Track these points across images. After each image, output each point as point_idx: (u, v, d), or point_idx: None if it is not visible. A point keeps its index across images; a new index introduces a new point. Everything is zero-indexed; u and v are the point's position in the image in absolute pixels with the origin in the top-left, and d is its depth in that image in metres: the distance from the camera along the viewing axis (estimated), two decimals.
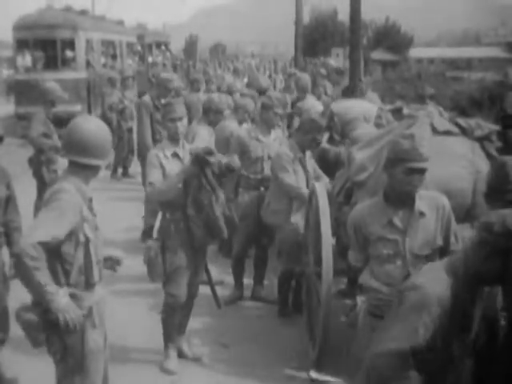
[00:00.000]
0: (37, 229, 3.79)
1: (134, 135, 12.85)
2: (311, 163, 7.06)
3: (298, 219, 6.73)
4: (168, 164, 5.79)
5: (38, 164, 8.52)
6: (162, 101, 9.00)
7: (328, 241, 5.50)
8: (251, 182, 7.34)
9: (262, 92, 10.16)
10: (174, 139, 5.91)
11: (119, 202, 11.85)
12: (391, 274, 4.03)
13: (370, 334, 4.02)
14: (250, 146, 7.29)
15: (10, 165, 6.15)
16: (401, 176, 4.07)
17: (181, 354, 6.15)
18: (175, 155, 5.86)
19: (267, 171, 7.26)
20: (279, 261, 7.05)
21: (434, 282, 3.08)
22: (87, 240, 3.96)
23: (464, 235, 4.63)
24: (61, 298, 3.78)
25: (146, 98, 9.85)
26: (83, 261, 3.96)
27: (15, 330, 4.07)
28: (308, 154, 6.99)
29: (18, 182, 6.11)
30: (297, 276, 6.84)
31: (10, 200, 5.55)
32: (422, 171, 4.10)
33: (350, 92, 9.72)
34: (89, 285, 4.01)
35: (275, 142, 7.39)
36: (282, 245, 6.91)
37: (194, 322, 6.43)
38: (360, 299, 4.41)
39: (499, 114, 7.43)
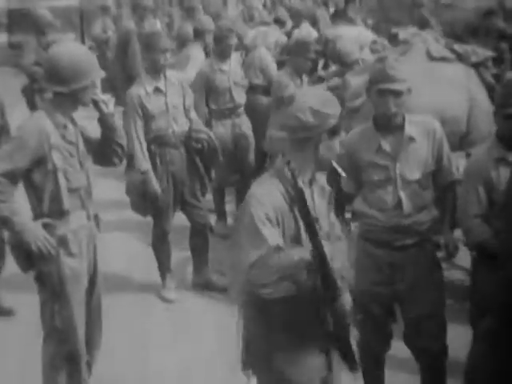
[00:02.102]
0: None
1: None
2: None
3: None
4: (149, 102, 5.65)
5: (32, 93, 8.46)
6: (146, 26, 8.83)
7: None
8: (224, 112, 7.12)
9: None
10: (155, 72, 5.71)
11: None
12: (383, 199, 4.01)
13: (364, 258, 4.08)
14: (215, 80, 7.02)
15: (3, 94, 6.07)
16: (375, 98, 4.00)
17: (209, 286, 6.19)
18: (157, 90, 5.70)
19: (238, 99, 7.15)
20: None
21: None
22: (55, 168, 3.90)
23: (458, 163, 4.64)
24: (30, 227, 3.81)
25: (130, 23, 9.69)
26: (53, 189, 3.93)
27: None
28: (305, 80, 6.94)
29: (11, 112, 6.07)
30: None
31: (3, 130, 5.53)
32: (395, 93, 3.98)
33: (338, 17, 9.63)
34: (61, 213, 3.98)
35: (236, 68, 7.22)
36: None
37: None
38: (354, 225, 4.43)
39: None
